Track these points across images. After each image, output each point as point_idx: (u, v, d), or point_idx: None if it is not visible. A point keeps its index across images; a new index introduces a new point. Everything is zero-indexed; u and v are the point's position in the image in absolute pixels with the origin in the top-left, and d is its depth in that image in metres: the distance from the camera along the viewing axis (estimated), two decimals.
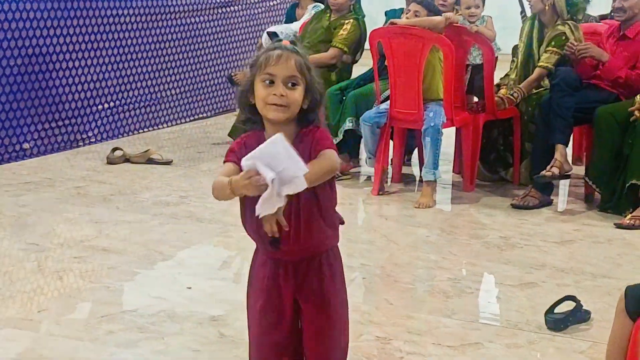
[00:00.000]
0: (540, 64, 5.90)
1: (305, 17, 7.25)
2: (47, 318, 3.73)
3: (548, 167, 5.47)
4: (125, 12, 7.86)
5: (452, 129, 6.26)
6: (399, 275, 4.36)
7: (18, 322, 3.67)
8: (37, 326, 3.64)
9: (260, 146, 2.21)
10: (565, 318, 3.66)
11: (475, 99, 6.32)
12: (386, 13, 6.97)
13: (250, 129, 2.51)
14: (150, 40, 8.18)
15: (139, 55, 8.08)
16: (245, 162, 2.21)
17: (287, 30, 7.12)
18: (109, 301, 3.94)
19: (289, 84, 2.41)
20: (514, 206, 5.58)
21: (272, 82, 2.41)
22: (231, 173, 2.35)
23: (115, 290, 4.10)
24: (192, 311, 3.82)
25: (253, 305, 2.58)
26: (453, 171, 6.53)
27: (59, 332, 3.59)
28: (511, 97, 5.93)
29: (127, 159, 6.79)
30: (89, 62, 7.46)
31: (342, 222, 2.58)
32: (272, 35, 7.11)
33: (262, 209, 2.22)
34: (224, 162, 2.46)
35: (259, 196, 2.21)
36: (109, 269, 4.37)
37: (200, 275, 4.29)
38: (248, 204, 2.40)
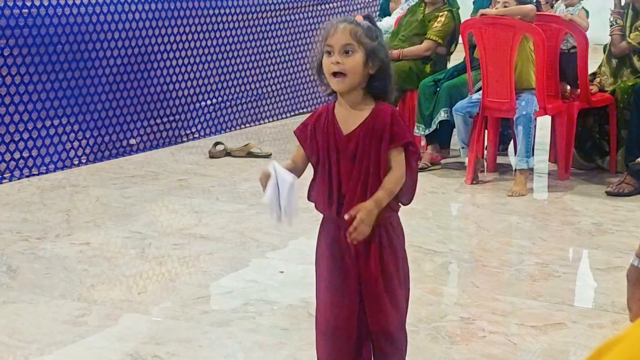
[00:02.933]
0: (629, 40, 5.89)
1: (400, 11, 7.28)
2: (146, 299, 3.94)
3: None
4: (227, 10, 8.06)
5: (549, 118, 6.26)
6: (487, 260, 4.41)
7: (119, 303, 3.89)
8: (136, 307, 3.85)
9: (283, 176, 2.69)
10: None
11: (568, 87, 6.30)
12: (474, 2, 6.97)
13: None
14: (251, 38, 8.37)
15: (241, 53, 8.27)
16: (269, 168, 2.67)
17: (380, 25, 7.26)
18: (205, 284, 4.13)
19: (345, 52, 2.54)
20: (609, 193, 5.55)
21: (331, 53, 2.56)
22: (299, 153, 2.75)
23: (211, 274, 4.29)
24: (283, 293, 3.98)
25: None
26: (549, 160, 6.49)
27: (156, 312, 3.80)
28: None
29: (228, 153, 6.94)
30: (191, 60, 7.69)
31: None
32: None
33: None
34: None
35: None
36: (206, 255, 4.55)
37: (292, 261, 4.45)
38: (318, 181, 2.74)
